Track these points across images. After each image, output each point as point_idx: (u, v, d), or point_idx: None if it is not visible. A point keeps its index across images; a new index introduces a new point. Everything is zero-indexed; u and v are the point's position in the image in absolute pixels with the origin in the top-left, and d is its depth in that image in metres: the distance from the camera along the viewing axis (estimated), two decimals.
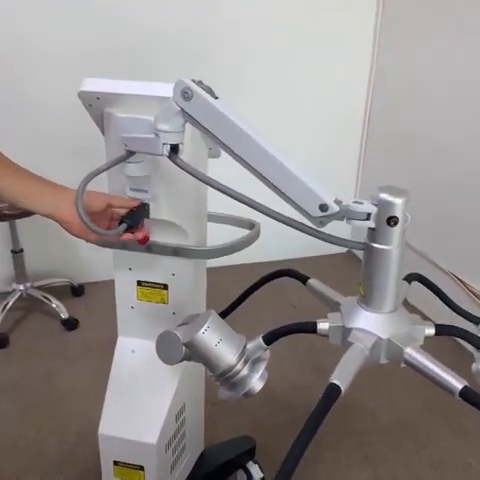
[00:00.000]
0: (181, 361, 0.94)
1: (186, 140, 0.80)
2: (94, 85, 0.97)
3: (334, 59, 2.63)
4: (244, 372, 0.74)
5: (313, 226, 0.68)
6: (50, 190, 0.85)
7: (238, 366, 0.73)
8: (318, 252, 2.92)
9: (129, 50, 2.26)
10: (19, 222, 2.15)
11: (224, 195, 0.67)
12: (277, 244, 2.54)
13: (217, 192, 0.68)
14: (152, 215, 1.03)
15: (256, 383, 0.74)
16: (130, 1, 2.26)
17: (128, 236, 0.93)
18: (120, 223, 0.92)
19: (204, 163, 1.11)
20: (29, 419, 1.79)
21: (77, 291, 2.48)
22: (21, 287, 2.25)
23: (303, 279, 0.88)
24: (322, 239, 0.68)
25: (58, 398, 1.89)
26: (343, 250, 3.09)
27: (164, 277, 1.12)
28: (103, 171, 0.89)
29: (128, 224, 0.92)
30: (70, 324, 2.23)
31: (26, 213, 1.96)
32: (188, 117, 0.67)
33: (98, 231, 0.85)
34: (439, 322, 0.74)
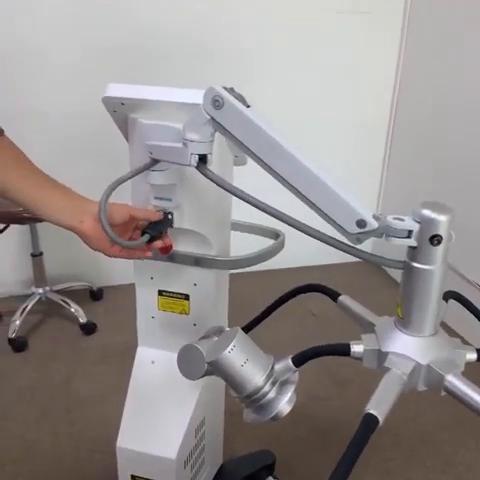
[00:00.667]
0: (203, 376, 0.91)
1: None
2: (119, 90, 0.95)
3: (359, 62, 2.58)
4: (271, 394, 0.70)
5: (348, 242, 0.64)
6: (72, 201, 0.82)
7: (265, 388, 0.70)
8: (334, 259, 2.87)
9: (134, 49, 2.24)
10: (40, 225, 2.15)
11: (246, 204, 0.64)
12: (292, 251, 2.49)
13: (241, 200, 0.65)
14: (175, 224, 1.01)
15: (284, 406, 0.70)
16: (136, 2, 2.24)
17: (148, 250, 0.91)
18: (142, 234, 0.89)
19: (229, 171, 1.07)
20: (46, 425, 1.78)
21: (96, 295, 2.47)
22: (40, 291, 2.24)
23: (333, 295, 0.84)
24: (358, 256, 0.64)
25: (76, 404, 1.87)
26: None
27: (186, 287, 1.10)
28: (127, 180, 0.86)
29: (150, 235, 0.89)
30: (88, 328, 2.22)
31: None
32: (218, 126, 0.63)
33: (122, 243, 0.83)
34: (476, 344, 0.70)
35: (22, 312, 2.15)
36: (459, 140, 2.32)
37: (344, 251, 0.64)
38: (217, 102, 0.62)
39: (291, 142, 0.62)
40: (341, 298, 0.82)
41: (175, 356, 1.06)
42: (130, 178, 0.87)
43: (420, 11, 2.52)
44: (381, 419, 0.57)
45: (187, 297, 1.10)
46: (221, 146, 0.97)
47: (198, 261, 1.04)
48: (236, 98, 0.62)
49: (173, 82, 0.97)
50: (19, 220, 2.00)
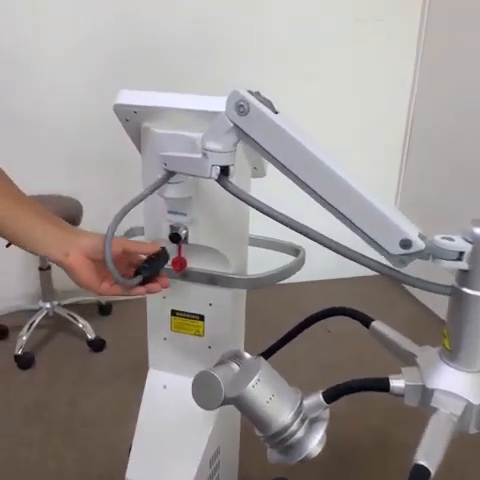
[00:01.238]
0: (220, 406, 0.83)
1: None
2: (131, 97, 0.89)
3: (376, 66, 2.52)
4: (300, 434, 0.62)
5: (389, 263, 0.56)
6: (57, 231, 0.72)
7: (293, 427, 0.62)
8: (349, 273, 2.79)
9: (146, 54, 2.20)
10: None
11: (264, 216, 0.57)
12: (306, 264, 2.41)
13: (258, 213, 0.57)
14: (190, 240, 0.94)
15: (314, 448, 0.62)
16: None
17: (140, 291, 0.77)
18: (135, 274, 0.76)
19: (247, 184, 1.01)
20: (50, 446, 1.71)
21: (104, 310, 2.41)
22: (48, 305, 2.18)
23: (365, 321, 0.76)
24: (401, 281, 0.57)
25: (82, 425, 1.80)
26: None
27: (200, 307, 1.02)
28: (142, 200, 0.80)
29: (144, 276, 0.75)
30: (96, 345, 2.15)
31: None
32: (242, 135, 0.57)
33: (121, 280, 0.72)
34: None
35: (29, 327, 2.09)
36: (477, 144, 2.25)
37: (383, 274, 0.57)
38: (242, 107, 0.55)
39: (325, 151, 0.55)
40: (374, 324, 0.75)
41: (188, 381, 0.99)
42: (145, 197, 0.80)
43: (437, 16, 2.46)
44: (433, 471, 0.49)
45: (202, 318, 1.03)
46: (239, 157, 0.90)
47: (214, 279, 0.97)
48: (263, 103, 0.55)
49: (186, 88, 0.91)
50: None
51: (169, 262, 0.96)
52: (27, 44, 2.11)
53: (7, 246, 2.05)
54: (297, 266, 1.05)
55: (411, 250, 0.53)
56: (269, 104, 0.56)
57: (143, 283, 0.75)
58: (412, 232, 0.53)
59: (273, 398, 0.62)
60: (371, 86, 2.57)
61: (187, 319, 1.04)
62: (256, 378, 0.63)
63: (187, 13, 2.23)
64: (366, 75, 2.52)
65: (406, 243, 0.53)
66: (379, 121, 2.65)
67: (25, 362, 2.03)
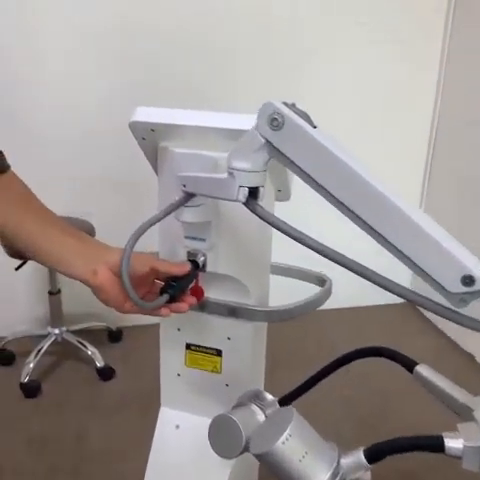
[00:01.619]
0: (240, 455, 0.75)
1: None
2: (148, 115, 0.83)
3: (398, 77, 2.46)
4: None
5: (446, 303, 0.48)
6: (85, 247, 0.69)
7: None
8: (375, 301, 2.68)
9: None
10: None
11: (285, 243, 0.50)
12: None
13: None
14: (208, 268, 0.86)
15: None
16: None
17: (166, 311, 0.74)
18: (161, 293, 0.73)
19: (271, 207, 0.93)
20: None
21: (114, 336, 2.32)
22: (56, 331, 2.11)
23: (408, 364, 0.67)
24: (461, 324, 0.48)
25: (89, 459, 1.70)
26: (401, 300, 2.82)
27: (218, 341, 0.94)
28: (158, 221, 0.73)
29: (171, 295, 0.73)
30: (105, 374, 2.06)
31: None
32: (275, 153, 0.50)
33: (141, 304, 0.69)
34: None
35: (36, 354, 2.01)
36: None
37: (439, 314, 0.49)
38: (276, 121, 0.48)
39: (370, 171, 0.47)
40: (419, 369, 0.66)
41: (203, 421, 0.91)
42: (162, 218, 0.73)
43: (459, 37, 2.42)
44: None
45: (219, 353, 0.95)
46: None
47: (233, 311, 0.90)
48: (299, 116, 0.48)
49: (199, 105, 0.85)
50: None
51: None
52: (33, 61, 2.10)
53: (16, 269, 2.00)
54: (324, 297, 0.97)
55: (474, 288, 0.45)
56: (306, 117, 0.49)
57: (169, 302, 0.73)
58: (476, 266, 0.45)
59: (306, 456, 0.54)
60: (393, 108, 2.51)
61: (203, 354, 0.96)
62: (287, 433, 0.54)
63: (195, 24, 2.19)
64: (388, 97, 2.47)
65: (468, 280, 0.45)
66: (402, 143, 2.59)
67: (31, 391, 1.95)
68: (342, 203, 0.47)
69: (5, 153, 0.69)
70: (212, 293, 0.90)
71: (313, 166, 0.47)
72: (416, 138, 2.63)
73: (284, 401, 0.82)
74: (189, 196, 0.75)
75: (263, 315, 0.89)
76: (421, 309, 2.79)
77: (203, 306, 0.91)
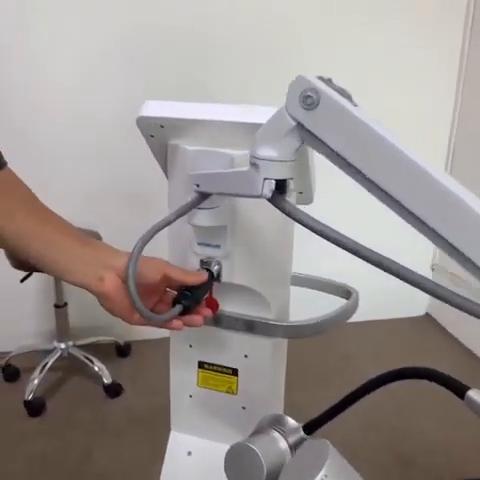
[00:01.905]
0: None
1: None
2: (158, 109, 0.75)
3: (414, 99, 2.38)
4: None
5: None
6: (91, 250, 0.61)
7: None
8: (392, 315, 2.58)
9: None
10: None
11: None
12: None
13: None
14: (223, 278, 0.78)
15: None
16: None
17: (178, 324, 0.67)
18: (174, 303, 0.66)
19: None
20: None
21: (123, 351, 2.24)
22: (62, 346, 2.03)
23: (459, 389, 0.58)
24: None
25: None
26: (420, 313, 2.72)
27: (234, 359, 0.85)
28: (169, 224, 0.65)
29: (185, 306, 0.66)
30: (113, 391, 1.97)
31: None
32: (308, 137, 0.41)
33: (149, 316, 0.61)
34: None
35: (42, 370, 1.93)
36: None
37: (462, 309, 0.40)
38: (309, 99, 0.40)
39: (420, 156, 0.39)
40: (471, 394, 0.56)
41: (218, 447, 0.82)
42: (173, 221, 0.65)
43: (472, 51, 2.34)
44: None
45: (235, 372, 0.86)
46: None
47: (251, 326, 0.81)
48: (338, 93, 0.40)
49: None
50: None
51: None
52: (42, 76, 2.04)
53: (22, 281, 1.93)
54: (350, 311, 0.87)
55: None
56: (346, 95, 0.41)
57: (182, 314, 0.66)
58: None
59: None
60: (406, 123, 2.42)
61: (217, 373, 0.87)
62: (322, 474, 0.45)
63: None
64: (406, 104, 2.38)
65: None
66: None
67: (35, 408, 1.86)
68: (393, 197, 0.38)
69: (12, 166, 0.63)
70: (227, 306, 0.82)
71: (356, 152, 0.39)
72: (434, 149, 2.54)
73: (309, 427, 0.72)
74: (203, 197, 0.66)
75: (285, 330, 0.80)
76: (441, 323, 2.68)
77: (217, 320, 0.82)
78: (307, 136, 0.42)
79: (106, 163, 2.14)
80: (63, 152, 2.11)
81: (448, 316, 2.57)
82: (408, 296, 2.76)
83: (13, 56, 1.98)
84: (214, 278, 0.76)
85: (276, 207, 0.45)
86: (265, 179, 0.44)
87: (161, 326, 0.67)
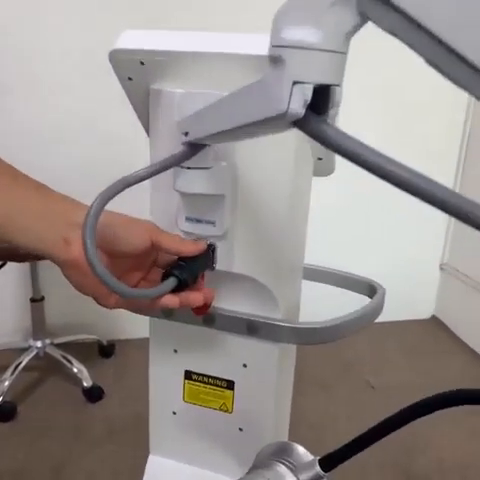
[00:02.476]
0: None
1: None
2: (138, 40, 0.57)
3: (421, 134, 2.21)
4: None
5: None
6: (53, 204, 0.46)
7: None
8: (397, 317, 2.41)
9: None
10: (41, 264, 1.77)
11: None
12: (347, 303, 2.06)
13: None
14: (219, 265, 0.60)
15: None
16: None
17: (173, 301, 0.50)
18: (165, 276, 0.50)
19: (307, 185, 0.67)
20: None
21: (106, 351, 2.05)
22: (38, 344, 1.84)
23: None
24: None
25: None
26: (427, 315, 2.55)
27: (230, 369, 0.68)
28: (140, 181, 0.46)
29: (180, 279, 0.50)
30: (93, 394, 1.79)
31: None
32: (374, 5, 0.24)
33: (125, 291, 0.43)
34: None
35: (14, 370, 1.74)
36: None
37: None
38: None
39: None
40: None
41: (207, 477, 0.65)
42: (148, 176, 0.47)
43: None
44: None
45: (231, 385, 0.68)
46: (299, 142, 0.58)
47: (254, 328, 0.63)
48: None
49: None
50: (17, 257, 1.63)
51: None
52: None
53: None
54: (375, 311, 0.70)
55: None
56: None
57: (176, 290, 0.51)
58: None
59: None
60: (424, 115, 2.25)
61: (209, 386, 0.69)
62: None
63: None
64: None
65: None
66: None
67: (5, 413, 1.68)
68: None
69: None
70: (223, 301, 0.64)
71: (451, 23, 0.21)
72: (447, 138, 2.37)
73: (328, 463, 0.55)
74: (192, 149, 0.48)
75: (296, 334, 0.62)
76: (448, 325, 2.52)
77: (210, 319, 0.64)
78: (372, 4, 0.24)
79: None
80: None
81: (456, 318, 2.41)
82: (414, 298, 2.62)
83: None
84: (213, 256, 0.59)
85: (311, 135, 0.27)
86: (295, 83, 0.26)
87: (147, 306, 0.51)
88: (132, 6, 1.80)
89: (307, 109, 0.27)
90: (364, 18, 0.25)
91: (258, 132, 0.35)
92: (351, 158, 0.26)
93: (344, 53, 0.26)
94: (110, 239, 0.46)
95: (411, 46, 0.25)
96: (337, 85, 0.27)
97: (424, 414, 0.51)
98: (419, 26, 0.23)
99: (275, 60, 0.27)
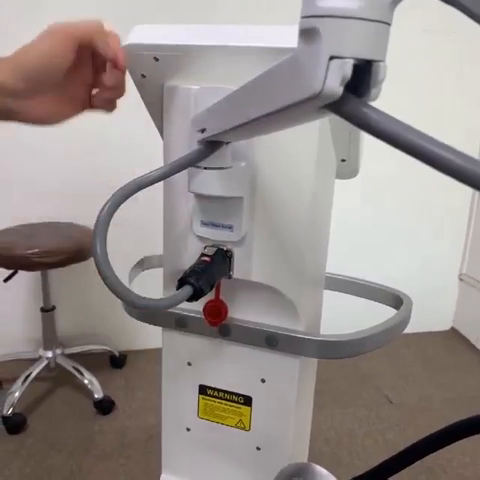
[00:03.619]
0: None
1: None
2: (152, 35, 0.54)
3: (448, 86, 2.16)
4: None
5: None
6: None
7: None
8: (415, 328, 2.34)
9: None
10: (53, 273, 1.74)
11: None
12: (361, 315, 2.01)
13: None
14: (237, 273, 0.56)
15: None
16: None
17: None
18: (181, 284, 0.47)
19: (330, 187, 0.64)
20: None
21: (117, 361, 2.01)
22: (49, 354, 1.81)
23: None
24: None
25: None
26: (446, 327, 2.48)
27: (247, 384, 0.64)
28: (154, 183, 0.43)
29: (196, 287, 0.48)
30: (104, 407, 1.75)
31: (62, 262, 1.55)
32: None
33: (135, 301, 0.40)
34: None
35: (24, 381, 1.71)
36: None
37: None
38: None
39: None
40: None
41: None
42: (160, 179, 0.44)
43: None
44: None
45: (248, 401, 0.64)
46: (323, 142, 0.54)
47: (272, 340, 0.59)
48: None
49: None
50: (28, 266, 1.61)
51: (200, 307, 0.59)
52: None
53: (5, 280, 1.71)
54: (403, 323, 0.65)
55: None
56: None
57: (192, 298, 0.48)
58: None
59: None
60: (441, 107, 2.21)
61: (225, 401, 0.65)
62: None
63: None
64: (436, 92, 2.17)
65: None
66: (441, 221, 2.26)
67: (14, 426, 1.64)
68: None
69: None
70: (240, 312, 0.60)
71: None
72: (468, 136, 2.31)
73: None
74: (210, 148, 0.45)
75: (318, 347, 0.58)
76: (468, 338, 2.45)
77: (226, 330, 0.60)
78: None
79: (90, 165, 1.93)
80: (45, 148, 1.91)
81: (476, 330, 2.34)
82: (433, 309, 2.55)
83: None
84: (230, 263, 0.55)
85: (351, 119, 0.23)
86: (332, 58, 0.22)
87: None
88: (132, 4, 1.79)
89: (345, 89, 0.23)
90: None
91: (285, 123, 0.32)
92: (402, 147, 0.22)
93: (388, 24, 0.23)
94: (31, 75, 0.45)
95: (468, 11, 0.21)
96: (381, 61, 0.23)
97: (472, 434, 0.47)
98: None
99: (308, 33, 0.23)
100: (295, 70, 0.25)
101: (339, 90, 0.23)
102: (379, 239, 2.24)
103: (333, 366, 2.04)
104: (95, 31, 0.47)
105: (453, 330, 2.48)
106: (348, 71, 0.23)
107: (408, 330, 2.08)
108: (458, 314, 2.46)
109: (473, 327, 2.37)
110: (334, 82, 0.23)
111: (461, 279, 2.41)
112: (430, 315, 2.37)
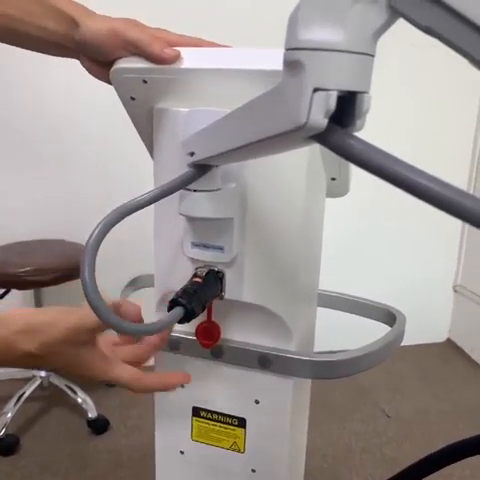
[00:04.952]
0: None
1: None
2: (139, 58, 0.54)
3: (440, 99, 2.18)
4: None
5: None
6: None
7: None
8: (411, 341, 2.34)
9: None
10: (45, 291, 1.73)
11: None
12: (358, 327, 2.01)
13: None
14: (228, 294, 0.56)
15: None
16: None
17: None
18: (172, 306, 0.47)
19: (321, 205, 0.64)
20: None
21: None
22: (42, 373, 1.79)
23: None
24: None
25: None
26: (441, 339, 2.48)
27: (241, 405, 0.63)
28: (142, 207, 0.43)
29: (187, 309, 0.47)
30: (99, 426, 1.72)
31: (55, 280, 1.54)
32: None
33: (126, 328, 0.40)
34: None
35: (17, 401, 1.69)
36: None
37: None
38: None
39: None
40: None
41: None
42: (149, 203, 0.43)
43: None
44: None
45: (242, 423, 0.63)
46: (312, 162, 0.54)
47: (266, 361, 0.59)
48: None
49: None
50: (21, 284, 1.60)
51: (192, 328, 0.58)
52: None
53: (1, 297, 1.70)
54: (396, 341, 0.65)
55: None
56: None
57: (184, 320, 0.47)
58: None
59: None
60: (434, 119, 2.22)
61: (218, 424, 0.65)
62: None
63: None
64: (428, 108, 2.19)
65: None
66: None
67: (7, 447, 1.61)
68: None
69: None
70: (233, 333, 0.60)
71: None
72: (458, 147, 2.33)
73: None
74: (199, 171, 0.45)
75: (312, 368, 0.58)
76: (464, 349, 2.45)
77: (218, 352, 0.60)
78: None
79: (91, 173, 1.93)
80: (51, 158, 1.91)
81: (472, 342, 2.34)
82: (428, 321, 2.55)
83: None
84: (222, 284, 0.55)
85: (336, 150, 0.23)
86: (316, 90, 0.22)
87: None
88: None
89: (330, 120, 0.23)
90: (395, 14, 0.22)
91: (272, 149, 0.32)
92: (386, 177, 0.22)
93: (371, 55, 0.23)
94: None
95: (453, 45, 0.21)
96: (365, 92, 0.24)
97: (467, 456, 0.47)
98: (465, 20, 0.20)
99: (292, 65, 0.23)
100: (280, 101, 0.25)
101: (323, 122, 0.23)
102: (371, 252, 2.25)
103: (329, 381, 2.03)
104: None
105: (449, 341, 2.48)
106: (332, 103, 0.23)
107: (404, 342, 2.07)
108: (454, 325, 2.46)
109: (468, 338, 2.37)
110: (318, 114, 0.23)
111: (456, 290, 2.42)
112: (425, 327, 2.37)
